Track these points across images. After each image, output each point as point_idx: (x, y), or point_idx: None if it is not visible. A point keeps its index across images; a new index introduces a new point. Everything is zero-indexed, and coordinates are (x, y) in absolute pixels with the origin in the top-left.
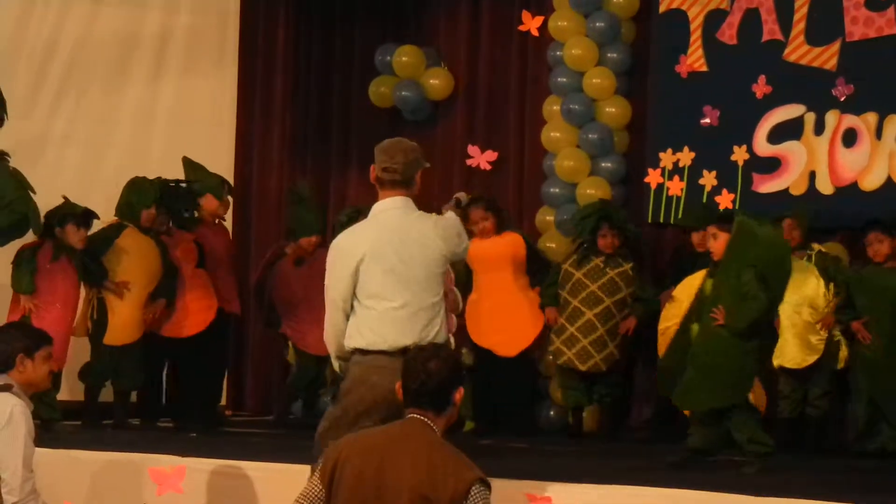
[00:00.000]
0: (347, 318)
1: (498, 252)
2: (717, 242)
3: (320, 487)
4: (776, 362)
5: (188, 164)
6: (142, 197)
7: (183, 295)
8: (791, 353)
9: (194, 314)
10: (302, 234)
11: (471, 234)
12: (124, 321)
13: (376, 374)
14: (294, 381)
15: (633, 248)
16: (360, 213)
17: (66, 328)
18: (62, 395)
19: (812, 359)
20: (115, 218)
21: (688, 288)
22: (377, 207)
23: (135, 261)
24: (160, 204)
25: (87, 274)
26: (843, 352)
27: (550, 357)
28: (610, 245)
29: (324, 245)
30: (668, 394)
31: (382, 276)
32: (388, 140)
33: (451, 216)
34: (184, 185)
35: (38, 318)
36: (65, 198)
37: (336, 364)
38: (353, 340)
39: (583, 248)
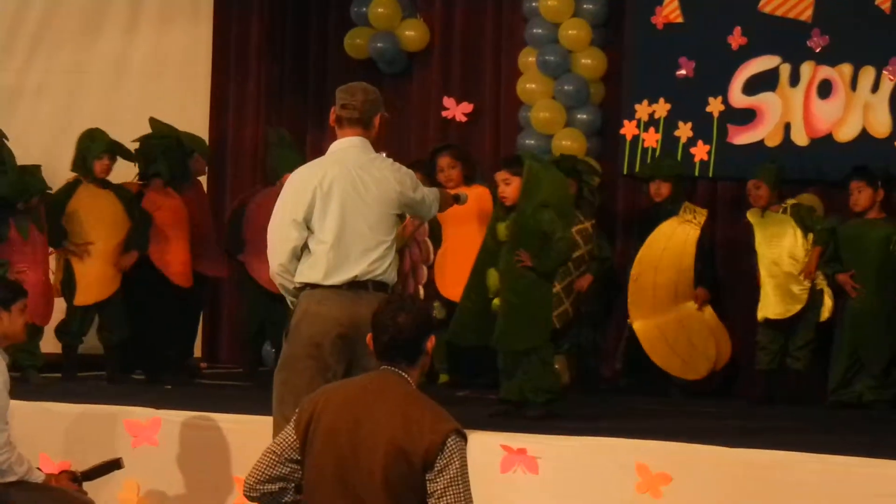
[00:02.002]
0: (296, 255)
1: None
2: (509, 188)
3: (294, 438)
4: (760, 315)
5: (158, 124)
6: (92, 147)
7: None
8: (773, 304)
9: (174, 264)
10: (285, 170)
11: (438, 184)
12: (94, 278)
13: (323, 304)
14: (244, 321)
15: (589, 203)
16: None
17: (48, 285)
18: (52, 348)
19: (796, 308)
20: (73, 174)
21: (661, 235)
22: (335, 146)
23: (94, 216)
24: (113, 153)
25: (48, 235)
26: (827, 303)
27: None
28: None
29: None
30: (460, 340)
31: (337, 209)
32: (351, 83)
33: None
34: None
35: (19, 277)
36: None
37: (289, 301)
38: (302, 276)
39: None
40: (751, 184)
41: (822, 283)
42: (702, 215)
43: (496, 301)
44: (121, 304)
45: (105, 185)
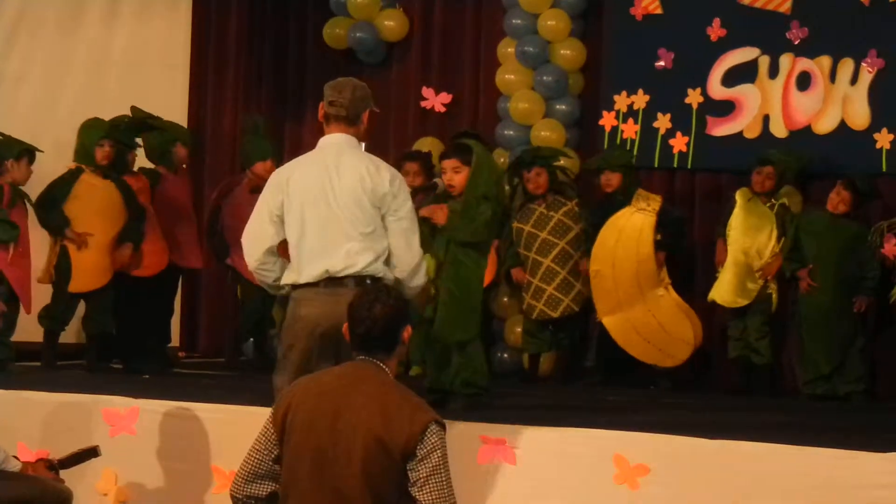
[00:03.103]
0: (272, 252)
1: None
2: (458, 176)
3: (272, 431)
4: (711, 296)
5: (139, 112)
6: (91, 134)
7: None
8: (724, 291)
9: (149, 256)
10: (256, 159)
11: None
12: (89, 267)
13: (303, 307)
14: (242, 321)
15: (568, 186)
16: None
17: (29, 274)
18: (29, 337)
19: (742, 302)
20: (74, 164)
21: (612, 228)
22: (321, 142)
23: (95, 205)
24: (114, 139)
25: (47, 222)
26: (774, 299)
27: (524, 313)
28: (539, 185)
29: None
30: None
31: (298, 206)
32: (339, 78)
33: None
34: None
35: (11, 264)
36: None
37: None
38: (286, 277)
39: (521, 200)
40: (766, 170)
41: (772, 286)
42: (656, 202)
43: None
44: (110, 295)
45: (106, 174)
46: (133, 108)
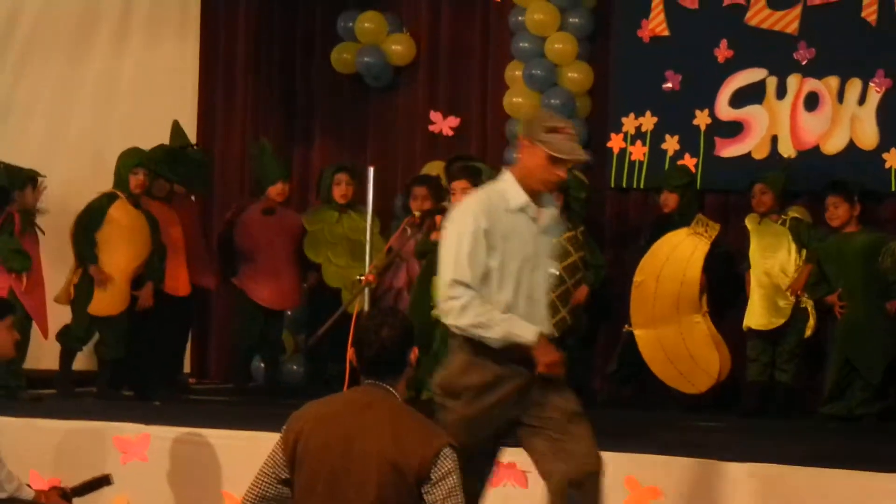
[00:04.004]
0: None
1: None
2: None
3: (281, 455)
4: (745, 323)
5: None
6: (127, 162)
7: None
8: (758, 315)
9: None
10: (268, 183)
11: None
12: (108, 292)
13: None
14: (237, 336)
15: (577, 213)
16: (340, 170)
17: (44, 300)
18: (39, 364)
19: (779, 322)
20: (111, 189)
21: (665, 244)
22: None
23: (124, 233)
24: (147, 168)
25: (77, 250)
26: (811, 321)
27: None
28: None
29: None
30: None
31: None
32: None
33: None
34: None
35: (25, 292)
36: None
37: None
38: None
39: None
40: (757, 188)
41: (806, 301)
42: (714, 229)
43: (436, 311)
44: (125, 323)
45: (138, 204)
46: (174, 124)
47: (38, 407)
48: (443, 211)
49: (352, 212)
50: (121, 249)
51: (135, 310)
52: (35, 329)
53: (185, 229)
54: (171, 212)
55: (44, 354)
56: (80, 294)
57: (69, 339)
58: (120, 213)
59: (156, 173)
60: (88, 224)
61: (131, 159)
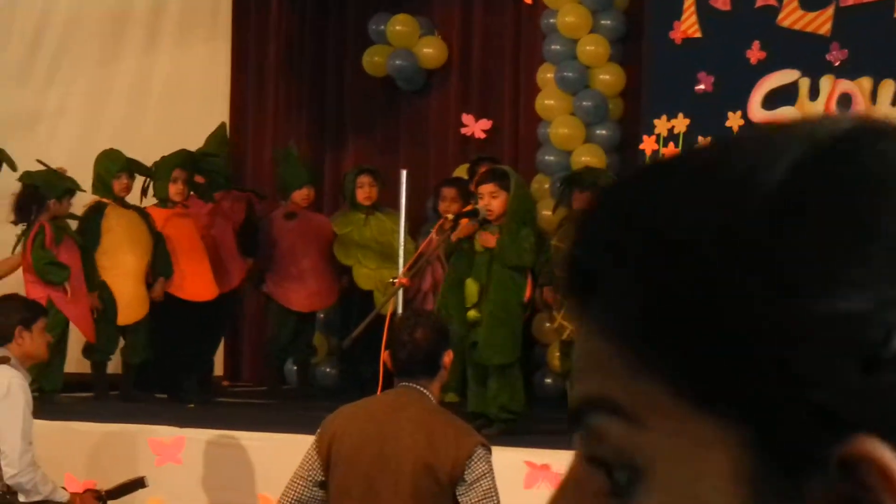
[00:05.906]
0: None
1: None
2: (496, 201)
3: (316, 458)
4: None
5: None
6: (110, 166)
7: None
8: None
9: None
10: (293, 188)
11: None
12: (128, 300)
13: None
14: (270, 342)
15: None
16: (362, 172)
17: (87, 305)
18: (74, 368)
19: None
20: (95, 197)
21: None
22: None
23: (124, 236)
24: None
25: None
26: None
27: (556, 333)
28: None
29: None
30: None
31: None
32: None
33: None
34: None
35: (69, 301)
36: (43, 164)
37: None
38: None
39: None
40: None
41: None
42: None
43: (472, 313)
44: (147, 326)
45: (125, 205)
46: (220, 127)
47: (74, 409)
48: (476, 213)
49: (379, 213)
50: (126, 252)
51: (157, 312)
52: (73, 331)
53: (212, 232)
54: (186, 217)
55: (76, 358)
56: (103, 307)
57: (96, 354)
58: (114, 218)
59: (140, 174)
60: (88, 241)
61: (113, 164)
